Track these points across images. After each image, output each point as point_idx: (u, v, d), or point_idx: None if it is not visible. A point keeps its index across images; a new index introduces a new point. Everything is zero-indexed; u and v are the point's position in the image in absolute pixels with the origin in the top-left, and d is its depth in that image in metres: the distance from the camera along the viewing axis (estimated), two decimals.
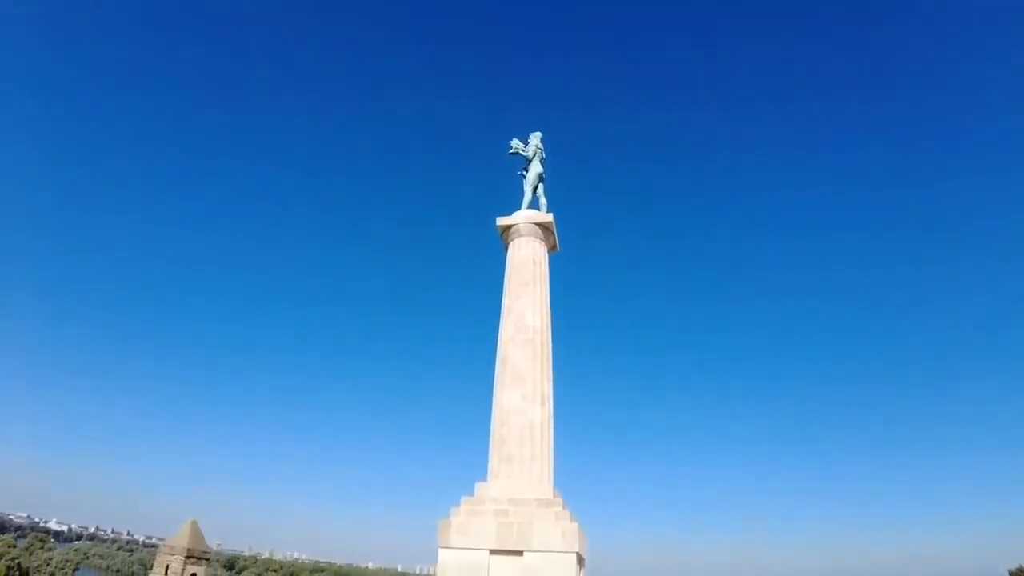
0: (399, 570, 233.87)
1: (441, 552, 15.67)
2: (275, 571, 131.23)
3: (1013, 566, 51.99)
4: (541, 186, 21.65)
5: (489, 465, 17.37)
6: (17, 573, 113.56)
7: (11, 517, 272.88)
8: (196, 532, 26.93)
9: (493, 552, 15.38)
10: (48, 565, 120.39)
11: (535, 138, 22.17)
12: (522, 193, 21.45)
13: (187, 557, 26.40)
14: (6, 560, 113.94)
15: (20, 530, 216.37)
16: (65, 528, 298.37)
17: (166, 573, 26.51)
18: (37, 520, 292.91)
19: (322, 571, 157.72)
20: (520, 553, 15.22)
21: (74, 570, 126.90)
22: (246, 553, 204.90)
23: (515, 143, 22.08)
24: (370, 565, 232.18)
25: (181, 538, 26.55)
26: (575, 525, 15.51)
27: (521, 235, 20.13)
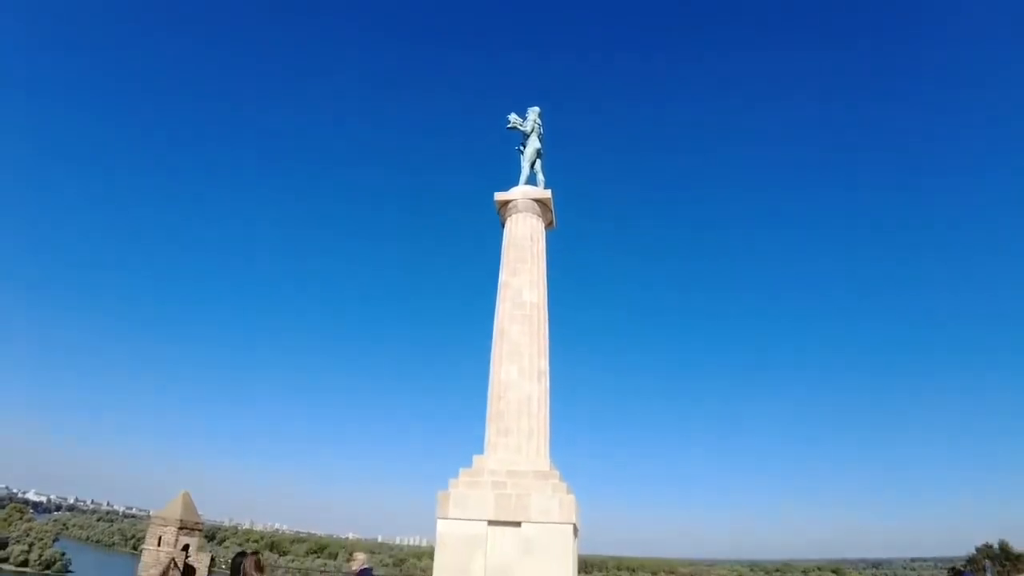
0: (379, 540, 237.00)
1: (439, 523, 15.98)
2: (256, 541, 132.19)
3: (980, 543, 53.81)
4: (539, 162, 21.59)
5: (486, 438, 17.67)
6: None
7: None
8: (188, 504, 27.04)
9: (491, 523, 15.73)
10: (28, 535, 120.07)
11: (533, 113, 22.01)
12: (519, 169, 21.43)
13: (180, 528, 26.54)
14: None
15: None
16: (44, 499, 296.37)
17: (159, 544, 26.64)
18: (15, 491, 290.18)
19: (303, 542, 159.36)
20: (518, 524, 15.59)
21: (54, 540, 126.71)
22: (226, 524, 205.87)
23: (513, 118, 21.93)
24: (350, 536, 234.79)
25: (173, 510, 26.65)
26: (571, 497, 15.90)
27: (519, 211, 20.17)
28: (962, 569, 40.83)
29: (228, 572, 9.69)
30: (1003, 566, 47.27)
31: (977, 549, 53.29)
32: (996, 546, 52.40)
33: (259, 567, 8.31)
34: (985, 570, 41.01)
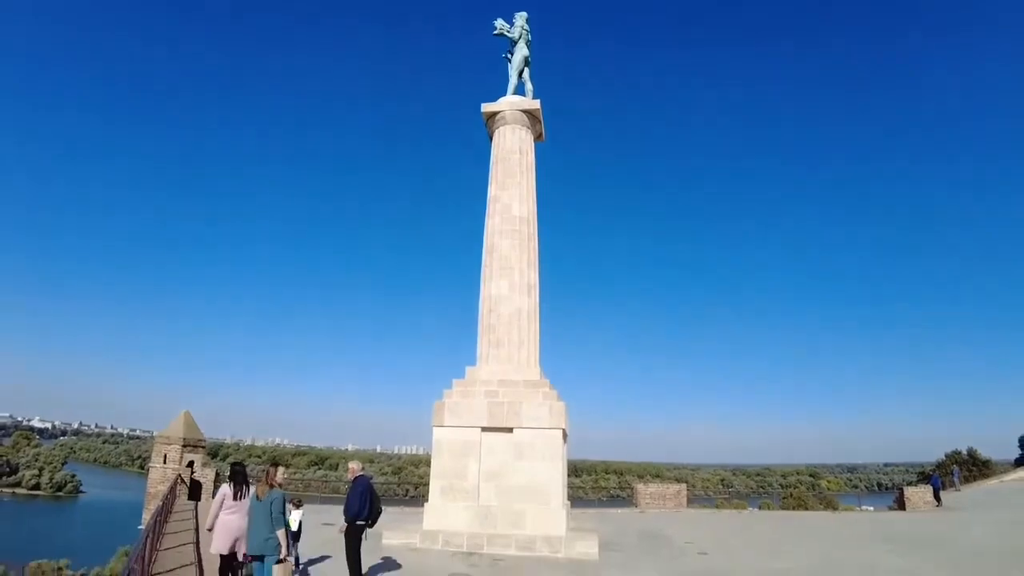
0: (378, 450, 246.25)
1: (436, 430, 16.59)
2: (258, 456, 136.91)
3: (950, 450, 56.32)
4: (527, 70, 20.78)
5: (478, 350, 18.05)
6: (7, 469, 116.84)
7: None
8: (190, 422, 27.80)
9: (484, 429, 16.34)
10: (37, 460, 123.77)
11: (520, 18, 20.93)
12: (507, 78, 20.69)
13: (184, 446, 27.40)
14: None
15: (3, 429, 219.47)
16: (48, 425, 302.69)
17: (164, 462, 27.54)
18: (20, 419, 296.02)
19: (304, 455, 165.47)
20: (510, 430, 16.20)
21: (63, 463, 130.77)
22: (228, 441, 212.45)
23: (499, 23, 20.87)
24: (350, 447, 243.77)
25: (176, 428, 27.41)
26: (561, 404, 16.45)
27: (507, 123, 19.65)
28: (931, 473, 43.14)
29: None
30: (970, 471, 49.71)
31: (946, 455, 55.59)
32: (965, 452, 54.86)
33: (272, 475, 8.63)
34: (953, 474, 43.13)
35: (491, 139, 20.25)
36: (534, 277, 18.44)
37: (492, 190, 19.13)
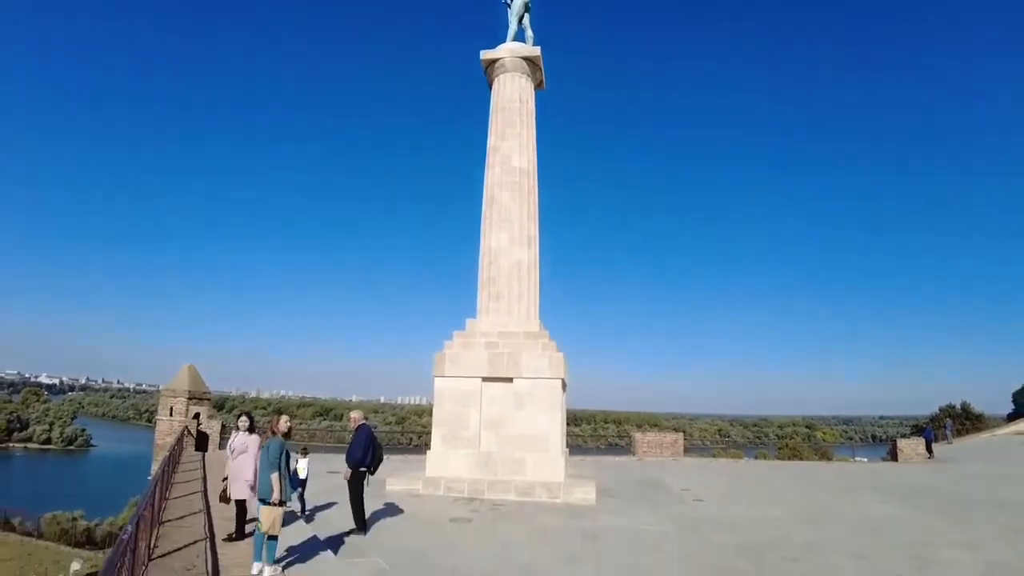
0: (381, 401, 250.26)
1: (437, 381, 16.80)
2: (264, 408, 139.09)
3: (944, 403, 56.94)
4: (527, 16, 20.16)
5: (478, 303, 18.11)
6: (18, 425, 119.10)
7: (1, 375, 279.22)
8: (195, 375, 28.13)
9: (485, 379, 16.54)
10: (47, 416, 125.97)
11: None
12: (507, 25, 20.10)
13: (189, 398, 27.79)
14: (4, 414, 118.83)
15: (12, 386, 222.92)
16: (56, 381, 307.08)
17: (171, 414, 27.98)
18: (28, 376, 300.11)
19: (309, 406, 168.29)
20: (510, 380, 16.40)
21: (72, 418, 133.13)
22: (234, 394, 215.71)
23: None
24: (354, 398, 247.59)
25: (181, 381, 27.75)
26: (560, 355, 16.59)
27: (506, 71, 19.19)
28: (924, 426, 43.80)
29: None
30: (963, 425, 50.46)
31: (940, 409, 56.31)
32: (958, 407, 55.48)
33: (276, 423, 8.76)
34: (946, 428, 43.79)
35: (490, 87, 19.82)
36: (534, 230, 18.34)
37: (491, 140, 18.83)
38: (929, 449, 30.22)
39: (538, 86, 20.22)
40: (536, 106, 19.73)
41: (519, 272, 17.75)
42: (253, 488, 9.36)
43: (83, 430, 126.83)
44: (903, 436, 33.12)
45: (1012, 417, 55.76)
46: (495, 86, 19.48)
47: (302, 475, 12.16)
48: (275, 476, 8.09)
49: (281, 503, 8.16)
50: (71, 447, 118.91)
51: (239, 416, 10.14)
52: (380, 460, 11.25)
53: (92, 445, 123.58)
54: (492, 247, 17.96)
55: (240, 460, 9.63)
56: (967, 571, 9.03)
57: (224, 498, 9.85)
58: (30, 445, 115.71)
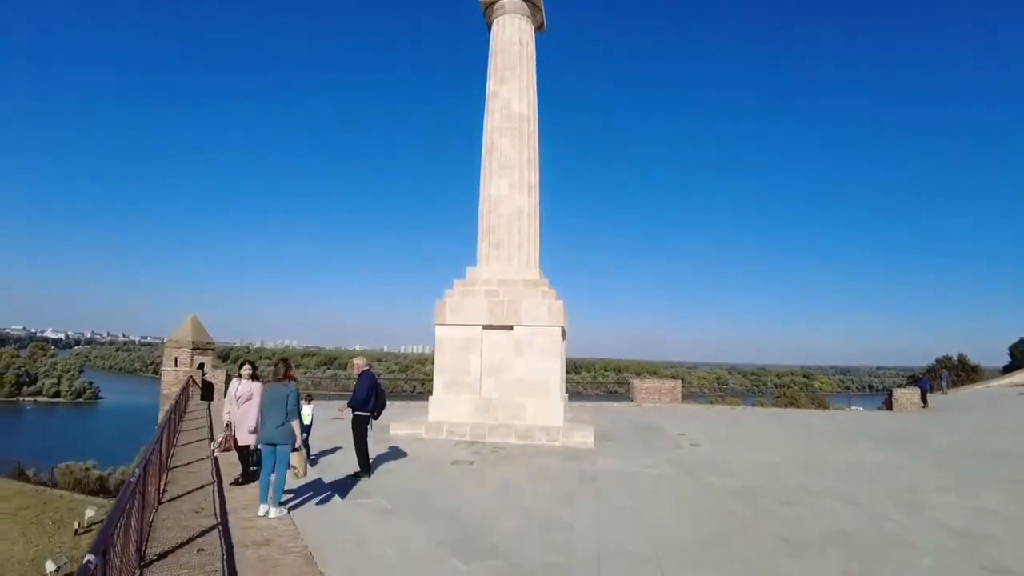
0: (385, 350, 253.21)
1: (438, 328, 16.89)
2: (268, 358, 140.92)
3: (941, 355, 57.37)
4: None
5: (478, 251, 18.01)
6: (27, 379, 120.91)
7: (8, 331, 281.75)
8: (198, 325, 28.34)
9: (485, 327, 16.62)
10: (55, 370, 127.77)
11: None
12: None
13: (193, 349, 28.06)
14: (13, 369, 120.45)
15: (19, 342, 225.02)
16: (61, 336, 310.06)
17: (176, 365, 28.29)
18: (34, 331, 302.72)
19: (313, 355, 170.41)
20: (510, 328, 16.47)
21: (80, 371, 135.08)
22: (238, 344, 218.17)
23: None
24: (357, 348, 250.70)
25: (184, 332, 27.98)
26: (560, 303, 16.60)
27: (505, 12, 18.52)
28: (920, 376, 44.35)
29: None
30: (959, 376, 51.01)
31: (937, 360, 56.90)
32: (955, 358, 55.94)
33: (291, 369, 8.84)
34: (942, 379, 44.28)
35: (489, 29, 19.19)
36: (534, 177, 18.08)
37: (491, 85, 18.35)
38: (924, 399, 30.65)
39: (539, 28, 19.59)
40: (536, 49, 19.16)
41: (519, 220, 17.59)
42: (254, 433, 9.54)
43: (91, 383, 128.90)
44: (899, 386, 33.54)
45: (1008, 369, 56.38)
46: (494, 28, 18.87)
47: (307, 421, 12.35)
48: (296, 423, 8.31)
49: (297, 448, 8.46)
50: (80, 400, 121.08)
51: (241, 364, 10.21)
52: (384, 405, 11.39)
53: (100, 397, 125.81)
54: (492, 195, 17.75)
55: (245, 407, 9.76)
56: (955, 515, 9.24)
57: (226, 447, 9.97)
58: (40, 399, 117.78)
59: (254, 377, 10.24)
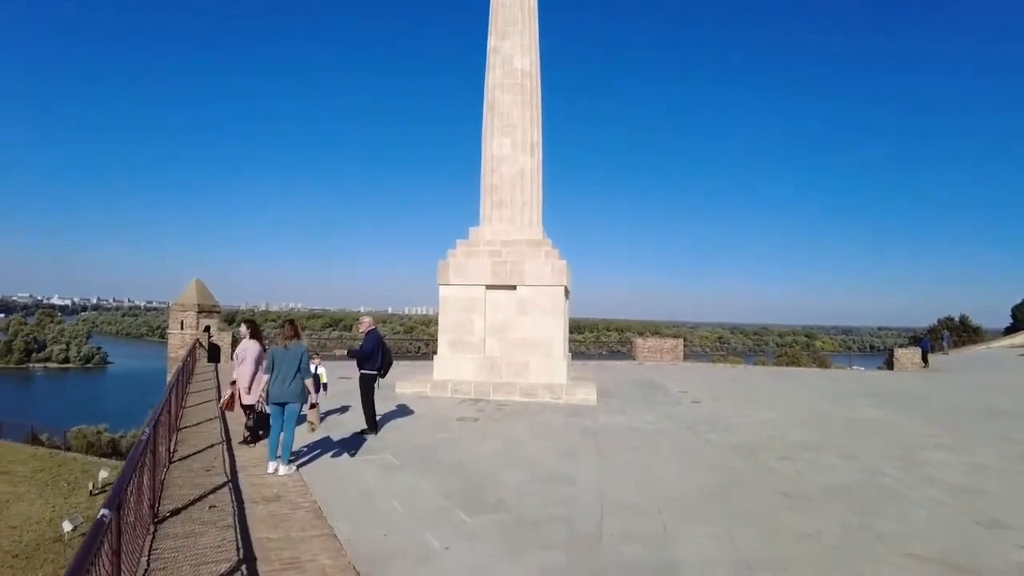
0: (389, 312, 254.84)
1: (441, 289, 16.92)
2: (273, 320, 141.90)
3: (944, 315, 57.31)
4: None
5: (481, 211, 17.88)
6: (36, 346, 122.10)
7: (14, 298, 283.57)
8: (203, 289, 28.43)
9: (489, 287, 16.64)
10: (62, 336, 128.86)
11: None
12: None
13: (199, 312, 28.20)
14: (22, 336, 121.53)
15: (26, 309, 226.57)
16: (68, 302, 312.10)
17: (182, 328, 28.49)
18: (40, 298, 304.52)
19: (319, 317, 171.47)
20: (513, 287, 16.47)
21: (87, 337, 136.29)
22: (243, 307, 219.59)
23: None
24: (362, 309, 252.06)
25: (189, 296, 28.07)
26: (563, 263, 16.57)
27: None
28: (922, 337, 44.41)
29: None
30: (960, 336, 51.12)
31: (939, 321, 56.95)
32: (957, 319, 55.93)
33: (299, 328, 8.92)
34: (943, 339, 44.38)
35: None
36: (537, 135, 17.80)
37: (492, 40, 17.89)
38: (925, 359, 30.80)
39: None
40: (538, 3, 18.61)
41: (522, 179, 17.40)
42: (249, 391, 9.73)
43: (99, 348, 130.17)
44: (900, 346, 33.68)
45: (1009, 331, 56.48)
46: None
47: (324, 380, 12.43)
48: (309, 381, 8.46)
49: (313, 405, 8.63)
50: (89, 365, 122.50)
51: (238, 324, 10.30)
52: (390, 364, 11.50)
53: (109, 362, 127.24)
54: (494, 154, 17.52)
55: (244, 366, 9.90)
56: (951, 471, 9.38)
57: (230, 406, 10.11)
58: (49, 365, 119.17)
59: (255, 336, 10.35)
